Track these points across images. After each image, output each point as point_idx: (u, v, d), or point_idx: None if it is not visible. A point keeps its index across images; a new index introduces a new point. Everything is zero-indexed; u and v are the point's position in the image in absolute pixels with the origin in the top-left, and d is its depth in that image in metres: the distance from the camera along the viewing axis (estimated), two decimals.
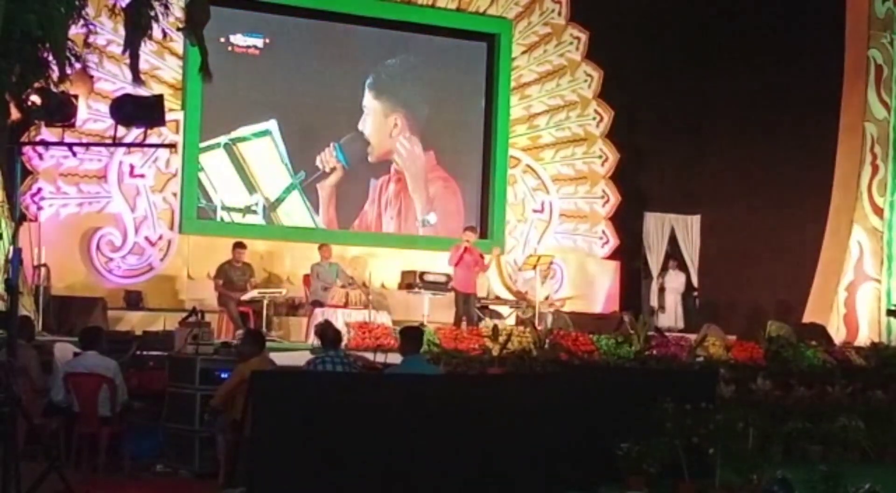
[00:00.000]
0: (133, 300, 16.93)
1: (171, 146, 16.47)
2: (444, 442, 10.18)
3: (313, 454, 9.70)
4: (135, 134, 11.27)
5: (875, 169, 19.94)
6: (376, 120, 19.83)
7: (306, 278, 17.56)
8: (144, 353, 12.95)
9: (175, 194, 18.06)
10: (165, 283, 17.72)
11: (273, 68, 19.02)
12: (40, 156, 16.61)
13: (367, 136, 19.73)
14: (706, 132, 21.16)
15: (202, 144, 18.35)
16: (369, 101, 19.77)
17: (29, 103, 9.40)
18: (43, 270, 15.48)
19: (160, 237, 17.85)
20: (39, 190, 16.93)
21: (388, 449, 9.91)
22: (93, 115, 16.27)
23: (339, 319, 15.36)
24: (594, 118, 20.92)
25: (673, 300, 20.75)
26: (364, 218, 19.70)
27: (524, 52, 20.61)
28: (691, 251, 21.35)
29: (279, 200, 19.12)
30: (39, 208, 16.84)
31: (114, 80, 16.60)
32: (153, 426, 11.61)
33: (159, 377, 11.97)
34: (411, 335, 11.62)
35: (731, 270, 20.74)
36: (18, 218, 9.96)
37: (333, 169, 19.43)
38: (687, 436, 10.64)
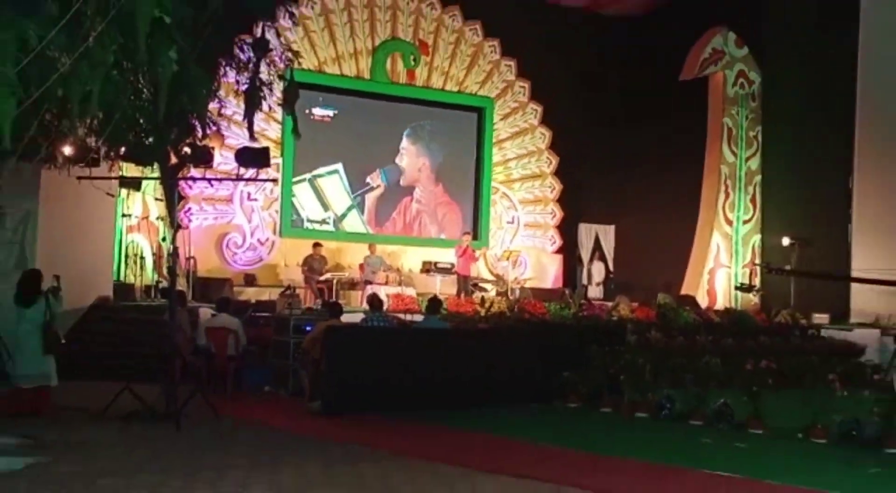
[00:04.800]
0: (250, 280, 16.91)
1: (274, 181, 16.48)
2: (451, 370, 10.19)
3: (366, 379, 9.71)
4: (251, 173, 11.27)
5: (727, 195, 19.98)
6: (410, 158, 19.68)
7: (361, 266, 17.53)
8: (257, 314, 12.97)
9: (277, 211, 18.02)
10: (270, 269, 17.66)
11: (340, 129, 18.91)
12: (189, 187, 16.58)
13: (402, 167, 19.60)
14: (621, 170, 21.01)
15: (294, 179, 18.29)
16: (406, 144, 19.63)
17: (182, 153, 9.38)
18: (192, 260, 15.48)
19: (267, 239, 17.81)
20: (189, 208, 16.94)
21: (414, 375, 9.93)
22: (223, 160, 16.16)
23: (382, 292, 15.30)
24: (547, 162, 20.86)
25: (596, 280, 20.70)
26: (393, 224, 19.58)
27: (502, 119, 20.50)
28: (609, 249, 21.24)
29: (343, 216, 19.04)
30: (189, 221, 16.84)
31: (237, 137, 16.51)
32: (263, 363, 11.62)
33: (267, 331, 11.98)
34: (434, 303, 11.71)
35: (634, 260, 20.63)
36: (176, 227, 9.92)
37: (378, 185, 19.32)
38: (606, 369, 10.63)
